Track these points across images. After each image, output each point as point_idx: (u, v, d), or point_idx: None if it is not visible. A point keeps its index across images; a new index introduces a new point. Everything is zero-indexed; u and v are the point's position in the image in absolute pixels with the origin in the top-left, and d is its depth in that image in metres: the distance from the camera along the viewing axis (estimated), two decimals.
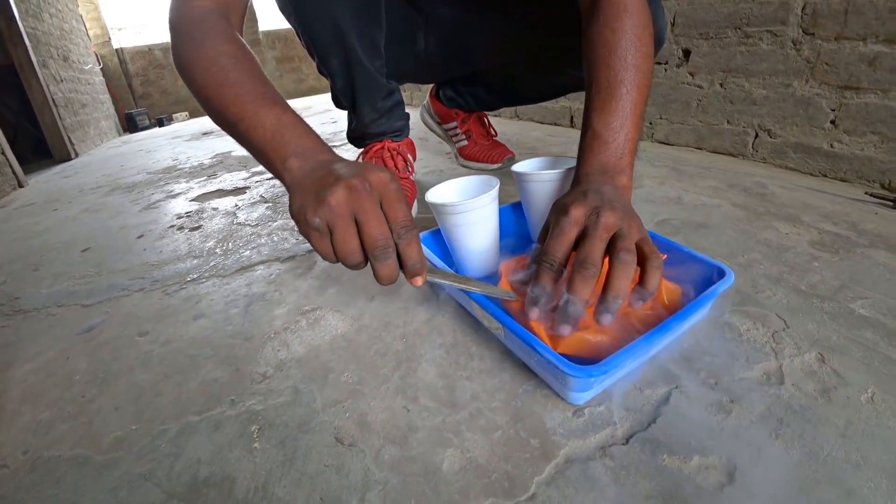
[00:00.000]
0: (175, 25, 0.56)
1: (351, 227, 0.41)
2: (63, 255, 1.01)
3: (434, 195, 0.63)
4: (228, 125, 0.52)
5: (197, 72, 0.53)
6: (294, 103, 3.75)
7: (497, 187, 0.59)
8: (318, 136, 0.50)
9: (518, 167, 0.68)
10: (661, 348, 0.53)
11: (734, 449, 0.41)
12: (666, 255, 0.59)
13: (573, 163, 0.66)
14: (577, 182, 0.54)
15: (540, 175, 0.64)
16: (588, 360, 0.47)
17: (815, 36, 1.05)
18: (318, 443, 0.45)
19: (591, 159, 0.54)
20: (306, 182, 0.44)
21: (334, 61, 0.83)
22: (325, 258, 0.43)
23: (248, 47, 0.56)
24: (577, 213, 0.46)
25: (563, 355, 0.44)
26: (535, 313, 0.46)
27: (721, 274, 0.55)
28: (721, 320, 0.58)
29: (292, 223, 1.00)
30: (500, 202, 0.63)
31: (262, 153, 0.50)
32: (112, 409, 0.53)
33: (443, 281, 0.48)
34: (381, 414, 0.48)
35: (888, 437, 0.42)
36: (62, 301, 0.80)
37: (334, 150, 0.50)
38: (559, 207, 0.48)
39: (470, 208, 0.57)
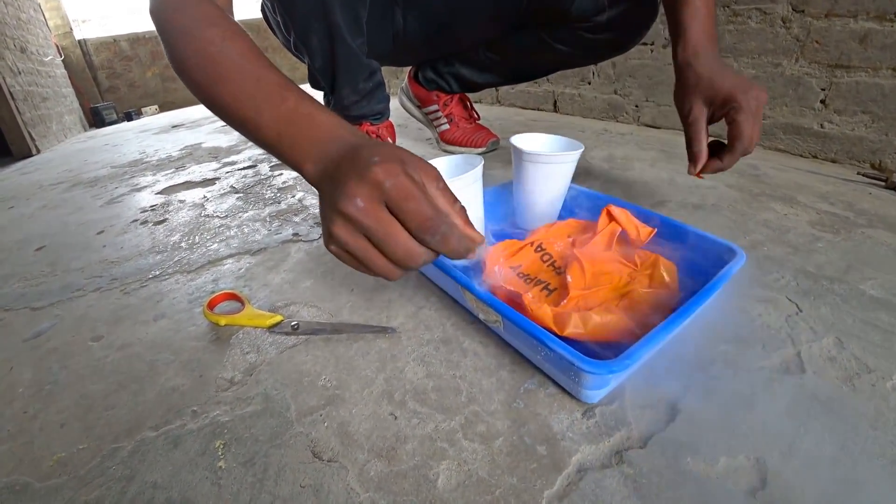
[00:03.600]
0: (157, 17, 0.50)
1: (368, 249, 0.35)
2: (15, 254, 0.93)
3: None
4: (238, 129, 0.46)
5: (191, 70, 0.47)
6: None
7: (480, 166, 0.54)
8: (322, 114, 0.43)
9: (523, 145, 0.63)
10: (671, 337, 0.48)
11: (763, 447, 0.37)
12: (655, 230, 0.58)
13: (579, 145, 0.62)
14: (695, 47, 0.63)
15: (559, 156, 0.61)
16: (597, 343, 0.43)
17: (804, 13, 1.02)
18: (292, 459, 0.39)
19: (697, 27, 0.63)
20: (322, 193, 0.38)
21: (315, 38, 0.76)
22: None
23: (237, 25, 0.49)
24: (763, 96, 0.58)
25: (571, 341, 0.40)
26: (704, 160, 0.63)
27: (731, 254, 0.51)
28: (731, 305, 0.54)
29: (264, 214, 0.94)
30: (485, 184, 0.58)
31: (277, 157, 0.44)
32: (57, 426, 0.46)
33: None
34: (364, 422, 0.42)
35: None
36: (10, 304, 0.72)
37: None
38: (742, 86, 0.58)
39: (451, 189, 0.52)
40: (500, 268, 0.51)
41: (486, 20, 0.92)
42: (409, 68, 1.23)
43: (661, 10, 1.27)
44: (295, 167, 0.42)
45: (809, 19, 1.02)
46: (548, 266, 0.54)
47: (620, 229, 0.56)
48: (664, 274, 0.51)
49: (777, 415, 0.40)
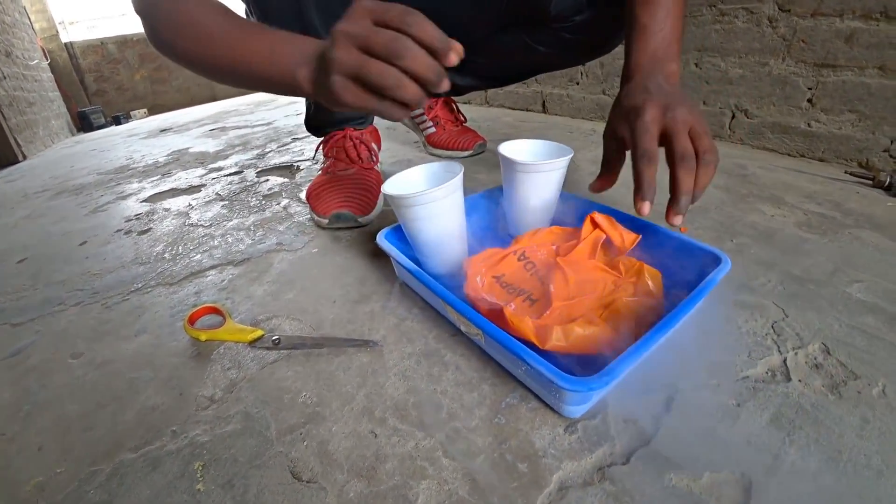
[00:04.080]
0: (144, 8, 0.55)
1: (368, 61, 0.38)
2: None
3: (391, 186, 0.56)
4: (227, 73, 0.52)
5: (181, 41, 0.53)
6: (256, 98, 3.60)
7: (460, 174, 0.53)
8: (303, 37, 0.48)
9: (510, 153, 0.62)
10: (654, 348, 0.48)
11: (747, 460, 0.37)
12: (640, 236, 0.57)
13: (568, 150, 0.62)
14: (630, 74, 0.57)
15: (551, 164, 0.60)
16: (581, 356, 0.42)
17: (790, 12, 1.02)
18: (271, 480, 0.39)
19: (640, 49, 0.57)
20: (318, 75, 0.43)
21: None
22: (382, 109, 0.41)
23: None
24: (655, 113, 0.49)
25: (554, 355, 0.39)
26: (647, 207, 0.48)
27: (716, 261, 0.51)
28: (716, 312, 0.53)
29: (248, 222, 0.93)
30: (470, 190, 0.57)
31: (272, 85, 0.50)
32: (35, 449, 0.45)
33: None
34: (344, 441, 0.41)
35: None
36: None
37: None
38: (634, 110, 0.51)
39: (430, 199, 0.51)
40: (482, 278, 0.51)
41: (466, 23, 0.90)
42: None
43: None
44: (290, 79, 0.46)
45: (796, 18, 1.01)
46: (531, 275, 0.54)
47: (605, 236, 0.56)
48: (649, 282, 0.50)
49: (762, 426, 0.40)
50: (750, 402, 0.42)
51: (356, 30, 0.38)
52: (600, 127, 1.45)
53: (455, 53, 0.39)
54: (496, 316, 0.44)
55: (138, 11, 0.56)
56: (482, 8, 0.87)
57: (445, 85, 0.40)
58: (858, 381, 0.44)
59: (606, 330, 0.44)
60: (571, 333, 0.42)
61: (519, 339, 0.41)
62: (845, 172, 0.95)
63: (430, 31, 0.38)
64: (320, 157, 0.95)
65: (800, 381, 0.44)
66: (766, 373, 0.45)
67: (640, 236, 0.56)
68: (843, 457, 0.37)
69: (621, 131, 0.53)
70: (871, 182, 0.90)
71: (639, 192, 0.48)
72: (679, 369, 0.45)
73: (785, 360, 0.46)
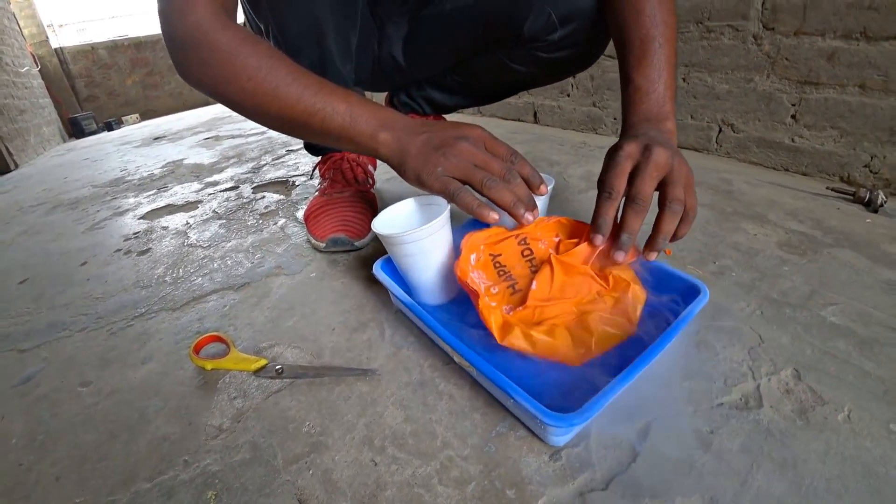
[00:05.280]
0: (184, 41, 0.53)
1: (477, 169, 0.50)
2: None
3: (380, 223, 0.59)
4: (295, 123, 0.55)
5: (241, 82, 0.53)
6: None
7: (447, 210, 0.55)
8: (386, 107, 0.57)
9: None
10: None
11: (716, 486, 0.40)
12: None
13: (550, 179, 0.63)
14: (624, 132, 0.58)
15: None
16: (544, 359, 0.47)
17: (774, 31, 1.05)
18: None
19: (635, 110, 0.58)
20: (414, 147, 0.52)
21: (305, 62, 0.76)
22: (466, 203, 0.50)
23: (267, 41, 0.58)
24: (631, 148, 0.51)
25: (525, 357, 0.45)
26: (598, 239, 0.51)
27: (695, 291, 0.54)
28: (695, 338, 0.56)
29: (247, 243, 0.95)
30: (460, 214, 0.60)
31: (342, 138, 0.55)
32: (53, 479, 0.48)
33: None
34: (346, 469, 0.44)
35: (866, 460, 0.41)
36: None
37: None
38: (613, 148, 0.53)
39: (418, 237, 0.53)
40: (476, 255, 0.53)
41: (446, 49, 0.92)
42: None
43: None
44: (368, 138, 0.54)
45: (779, 37, 1.05)
46: (526, 261, 0.55)
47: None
48: (629, 304, 0.51)
49: (733, 452, 0.42)
50: (723, 428, 0.45)
51: (474, 149, 0.51)
52: (591, 139, 1.49)
53: (545, 187, 0.54)
54: (475, 296, 0.49)
55: (175, 38, 0.54)
56: (459, 35, 0.89)
57: (533, 216, 0.51)
58: (826, 406, 0.46)
59: (566, 342, 0.47)
60: (530, 337, 0.45)
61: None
62: (827, 188, 0.98)
63: (528, 168, 0.53)
64: (317, 174, 0.97)
65: (771, 407, 0.47)
66: (740, 399, 0.48)
67: (640, 252, 0.56)
68: (805, 481, 0.39)
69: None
70: (851, 197, 0.93)
71: (592, 223, 0.52)
72: (659, 396, 0.48)
73: (758, 387, 0.49)
